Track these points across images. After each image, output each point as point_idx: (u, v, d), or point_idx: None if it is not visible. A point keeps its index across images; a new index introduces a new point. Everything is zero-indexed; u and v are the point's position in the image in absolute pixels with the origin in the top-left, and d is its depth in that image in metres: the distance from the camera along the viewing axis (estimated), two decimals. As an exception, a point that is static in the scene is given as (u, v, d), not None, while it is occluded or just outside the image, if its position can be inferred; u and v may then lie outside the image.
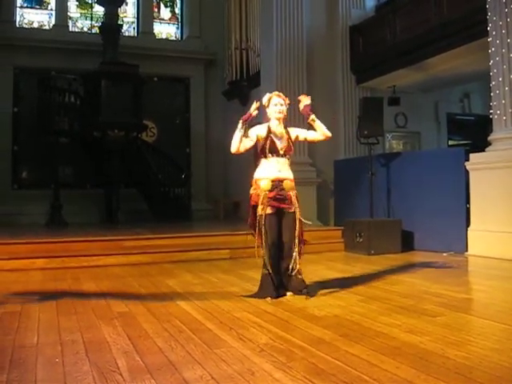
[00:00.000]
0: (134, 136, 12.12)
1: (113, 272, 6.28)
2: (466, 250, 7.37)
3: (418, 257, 7.56)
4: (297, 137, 4.81)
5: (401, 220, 8.13)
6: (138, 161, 12.50)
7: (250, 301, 4.44)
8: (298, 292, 4.58)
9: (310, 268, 6.36)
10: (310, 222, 4.96)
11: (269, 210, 4.52)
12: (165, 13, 15.35)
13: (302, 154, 10.78)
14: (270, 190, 4.52)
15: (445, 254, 7.39)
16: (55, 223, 11.25)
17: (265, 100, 4.72)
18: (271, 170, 4.58)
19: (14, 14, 13.39)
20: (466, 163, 7.49)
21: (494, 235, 6.97)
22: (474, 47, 8.54)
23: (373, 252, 7.64)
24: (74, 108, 11.82)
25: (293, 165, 10.79)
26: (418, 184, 8.21)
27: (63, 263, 6.65)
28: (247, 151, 4.67)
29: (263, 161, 4.63)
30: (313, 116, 4.74)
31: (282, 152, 4.61)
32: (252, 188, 4.62)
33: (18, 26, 13.46)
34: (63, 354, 3.00)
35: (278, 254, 4.62)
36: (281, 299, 4.50)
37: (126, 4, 14.38)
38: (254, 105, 4.62)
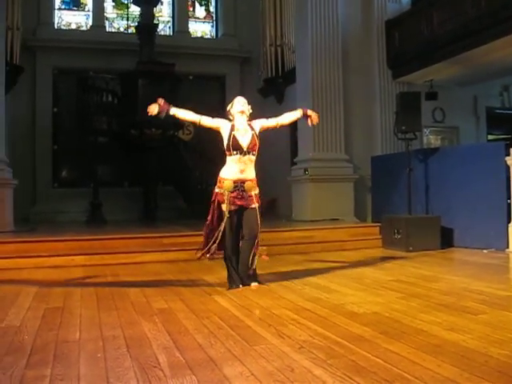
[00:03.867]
0: (170, 134, 12.22)
1: (151, 269, 6.36)
2: (507, 247, 7.22)
3: (457, 254, 7.45)
4: (262, 127, 5.06)
5: (439, 216, 8.01)
6: (175, 159, 12.61)
7: (289, 297, 4.44)
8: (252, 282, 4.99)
9: (347, 265, 6.34)
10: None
11: (232, 208, 4.87)
12: (200, 11, 15.43)
13: (338, 151, 10.74)
14: (232, 191, 4.85)
15: (485, 251, 7.27)
16: (95, 221, 11.42)
17: (228, 107, 5.15)
18: (234, 171, 4.87)
19: (52, 16, 13.64)
20: (507, 158, 7.32)
21: (536, 231, 6.81)
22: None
23: (411, 249, 7.55)
24: (112, 107, 11.99)
25: (330, 161, 10.79)
26: (457, 180, 8.08)
27: (102, 260, 6.77)
28: (206, 127, 5.10)
29: (228, 158, 4.91)
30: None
31: (245, 149, 4.84)
32: (217, 186, 4.93)
33: (56, 27, 13.70)
34: (105, 349, 3.05)
35: (236, 247, 5.00)
36: (319, 296, 4.49)
37: (162, 3, 14.49)
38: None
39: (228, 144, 4.84)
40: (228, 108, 5.13)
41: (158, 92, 11.70)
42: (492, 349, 2.88)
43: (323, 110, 10.60)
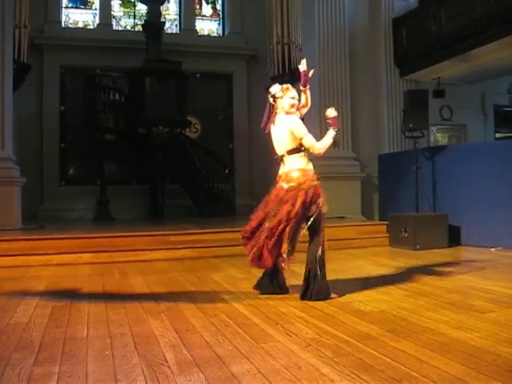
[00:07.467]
0: (177, 132, 12.23)
1: (159, 266, 6.37)
2: (515, 245, 7.19)
3: (465, 252, 7.42)
4: None
5: (447, 214, 7.99)
6: (182, 157, 12.60)
7: (295, 295, 4.43)
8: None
9: (354, 263, 6.35)
10: None
11: None
12: (206, 9, 15.40)
13: (345, 149, 10.71)
14: None
15: (493, 250, 7.23)
16: (102, 219, 11.46)
17: (278, 90, 4.47)
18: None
19: (59, 14, 13.63)
20: (515, 156, 7.29)
21: (544, 230, 6.78)
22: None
23: (418, 247, 7.53)
24: (119, 105, 12.00)
25: (337, 159, 10.74)
26: (465, 178, 8.04)
27: (110, 258, 6.78)
28: None
29: (301, 157, 4.43)
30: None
31: None
32: (309, 179, 4.29)
33: (63, 26, 13.69)
34: (112, 346, 3.07)
35: None
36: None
37: (168, 1, 14.46)
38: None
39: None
40: (275, 92, 4.48)
41: (164, 90, 11.85)
42: (500, 347, 2.87)
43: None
